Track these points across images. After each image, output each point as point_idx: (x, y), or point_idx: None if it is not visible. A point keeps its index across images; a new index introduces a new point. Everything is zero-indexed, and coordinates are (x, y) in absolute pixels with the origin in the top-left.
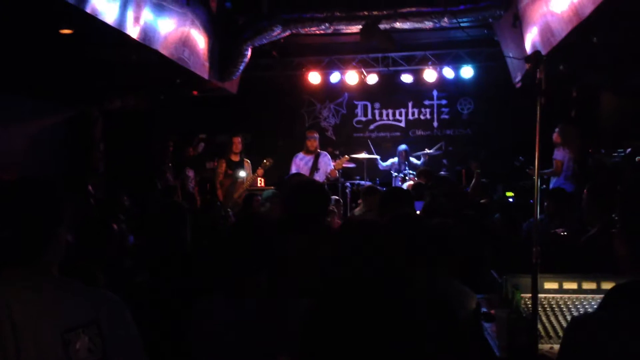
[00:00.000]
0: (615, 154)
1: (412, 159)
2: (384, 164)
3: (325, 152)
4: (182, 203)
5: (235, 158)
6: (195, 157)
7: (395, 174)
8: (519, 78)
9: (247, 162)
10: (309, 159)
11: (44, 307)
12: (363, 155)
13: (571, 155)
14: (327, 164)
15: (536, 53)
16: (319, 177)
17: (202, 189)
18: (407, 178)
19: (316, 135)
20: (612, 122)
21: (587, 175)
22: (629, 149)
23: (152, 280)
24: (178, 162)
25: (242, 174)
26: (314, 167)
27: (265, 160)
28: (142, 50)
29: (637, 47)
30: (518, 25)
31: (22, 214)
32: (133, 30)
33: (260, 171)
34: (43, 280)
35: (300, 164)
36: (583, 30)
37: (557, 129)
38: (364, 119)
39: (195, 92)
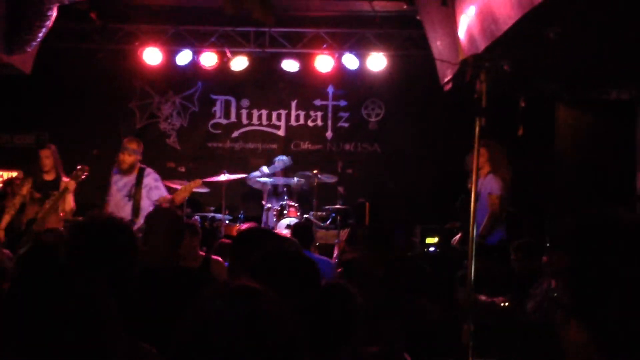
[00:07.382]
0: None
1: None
2: (256, 174)
3: (151, 170)
4: None
5: (49, 177)
6: None
7: (268, 205)
8: (448, 77)
9: (67, 181)
10: (128, 180)
11: None
12: (223, 177)
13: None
14: (154, 188)
15: (475, 57)
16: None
17: None
18: (284, 212)
19: (137, 147)
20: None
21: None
22: None
23: None
24: None
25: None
26: (134, 193)
27: (78, 169)
28: None
29: (608, 48)
30: (449, 4)
31: None
32: None
33: (72, 184)
34: None
35: (114, 187)
36: (536, 20)
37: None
38: (224, 121)
39: None
